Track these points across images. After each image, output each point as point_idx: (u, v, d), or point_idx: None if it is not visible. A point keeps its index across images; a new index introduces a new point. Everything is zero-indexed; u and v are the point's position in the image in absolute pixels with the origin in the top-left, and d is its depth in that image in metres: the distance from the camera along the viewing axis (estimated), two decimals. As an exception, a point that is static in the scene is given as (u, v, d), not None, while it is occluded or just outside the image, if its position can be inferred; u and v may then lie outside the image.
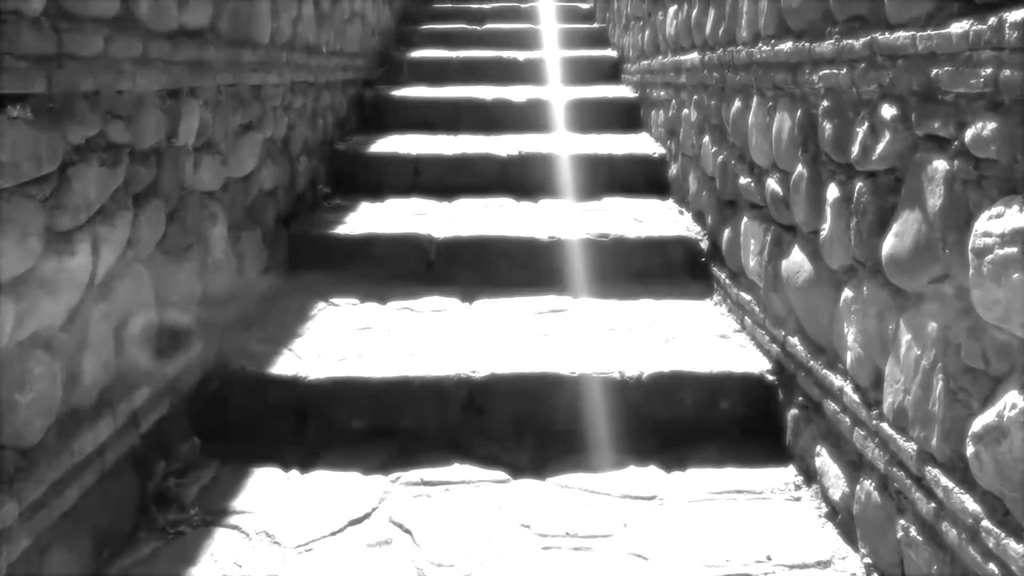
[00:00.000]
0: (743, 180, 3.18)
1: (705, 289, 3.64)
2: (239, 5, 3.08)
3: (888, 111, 1.96)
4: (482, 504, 2.39)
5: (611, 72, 6.69)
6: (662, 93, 4.90)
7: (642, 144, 5.10)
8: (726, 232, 3.45)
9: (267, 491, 2.44)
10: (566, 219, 4.11)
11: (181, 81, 2.53)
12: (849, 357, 2.19)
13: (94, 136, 2.00)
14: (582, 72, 6.63)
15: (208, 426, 2.67)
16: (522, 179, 4.71)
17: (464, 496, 2.44)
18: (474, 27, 7.74)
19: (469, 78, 6.56)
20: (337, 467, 2.57)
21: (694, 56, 3.99)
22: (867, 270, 2.10)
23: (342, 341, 3.06)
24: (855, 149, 2.12)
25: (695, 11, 3.96)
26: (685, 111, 4.27)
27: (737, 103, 3.26)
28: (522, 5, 8.64)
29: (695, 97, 4.03)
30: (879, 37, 1.98)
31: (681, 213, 4.22)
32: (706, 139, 3.79)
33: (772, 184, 2.81)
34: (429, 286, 3.68)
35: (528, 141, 5.17)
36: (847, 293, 2.21)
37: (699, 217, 3.98)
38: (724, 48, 3.42)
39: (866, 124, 2.07)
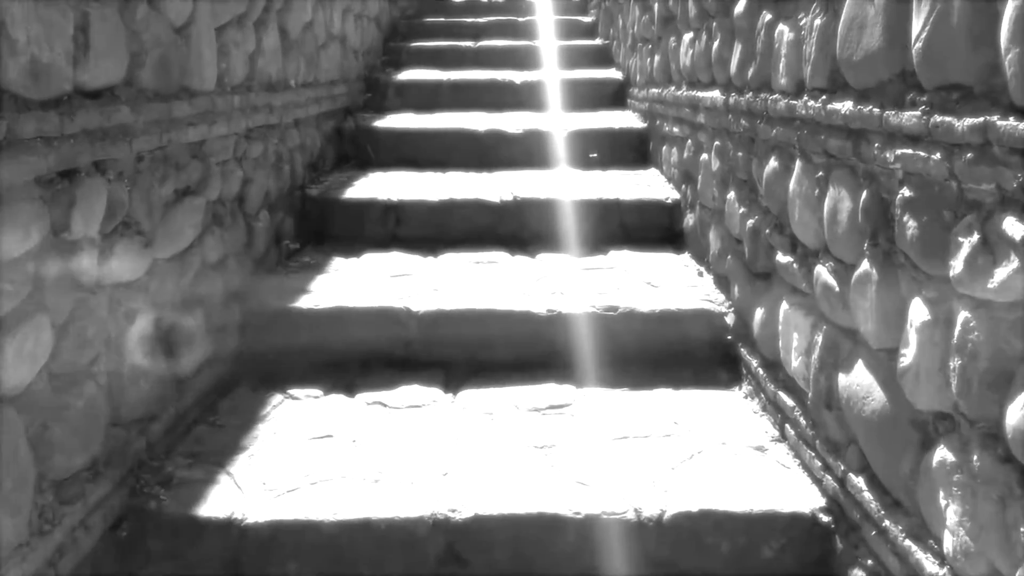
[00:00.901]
0: (781, 258, 2.62)
1: (732, 375, 3.09)
2: (168, 51, 2.52)
3: (1015, 227, 1.41)
4: None
5: (616, 96, 6.13)
6: (675, 129, 4.34)
7: (652, 185, 4.54)
8: (758, 312, 2.89)
9: None
10: (568, 282, 3.56)
11: (77, 157, 1.98)
12: (949, 541, 1.63)
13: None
14: (584, 96, 6.07)
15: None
16: (517, 229, 4.16)
17: None
18: (468, 44, 7.19)
19: (461, 103, 6.00)
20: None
21: (715, 95, 3.43)
22: (977, 432, 1.55)
23: (296, 457, 2.51)
24: (957, 265, 1.56)
25: (716, 43, 3.41)
26: (704, 156, 3.71)
27: (773, 162, 2.70)
28: (519, 19, 8.09)
29: (716, 143, 3.47)
30: (1000, 124, 1.43)
31: (700, 275, 3.66)
32: (731, 195, 3.24)
33: (824, 274, 2.26)
34: (406, 371, 3.13)
35: (525, 180, 4.62)
36: (944, 455, 1.65)
37: (722, 283, 3.42)
38: (755, 93, 2.87)
39: (975, 236, 1.51)
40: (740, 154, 3.11)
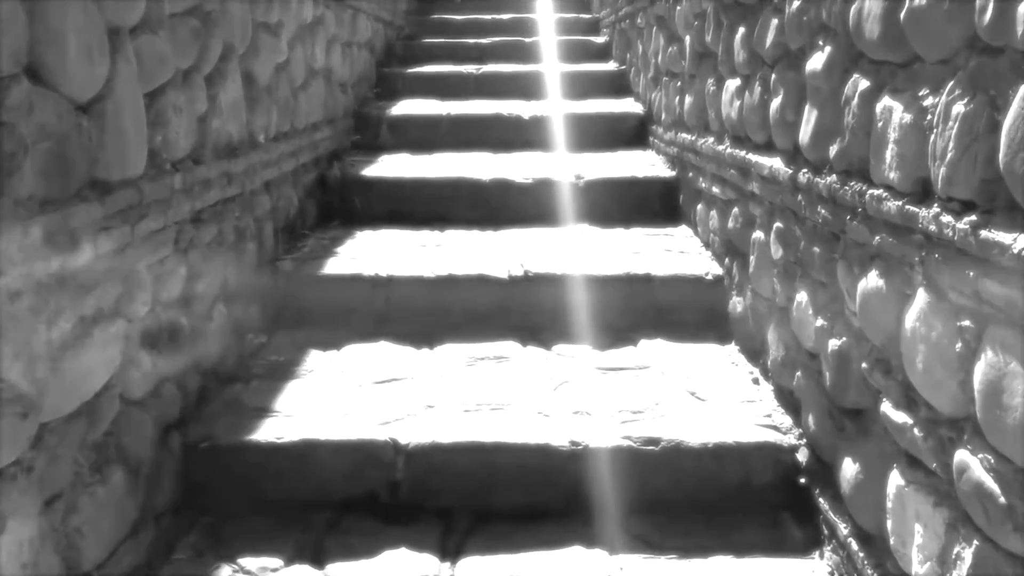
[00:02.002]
0: (891, 411, 1.96)
1: (808, 534, 2.42)
2: (65, 140, 1.85)
3: None
4: None
5: (636, 134, 5.47)
6: (715, 189, 3.66)
7: (687, 251, 3.86)
8: (848, 463, 2.22)
9: None
10: (593, 391, 2.91)
11: None
12: None
13: None
14: (600, 134, 5.41)
15: None
16: (529, 311, 3.49)
17: None
18: (470, 70, 6.52)
19: (463, 142, 5.35)
20: None
21: (775, 164, 2.76)
22: None
23: None
24: None
25: (777, 100, 2.74)
26: (759, 235, 3.03)
27: (875, 279, 2.03)
28: (526, 40, 7.45)
29: (778, 224, 2.80)
30: None
31: (756, 382, 2.98)
32: (802, 297, 2.56)
33: (974, 467, 1.59)
34: (393, 524, 2.46)
35: (536, 243, 3.97)
36: None
37: (786, 399, 2.75)
38: (841, 178, 2.21)
39: None
40: (816, 249, 2.44)
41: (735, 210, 3.36)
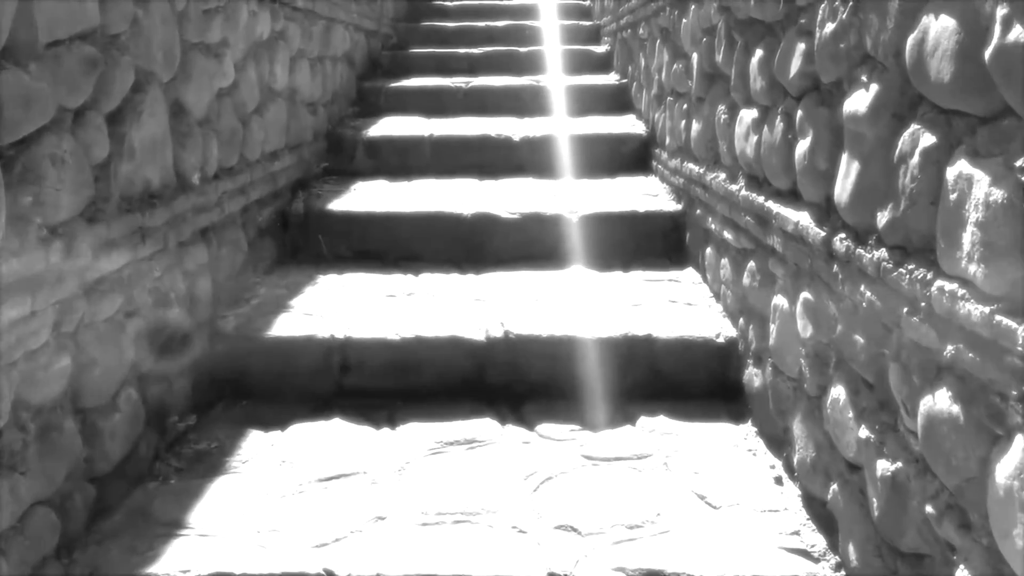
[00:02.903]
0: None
1: None
2: None
3: None
4: None
5: (637, 157, 4.95)
6: (727, 235, 3.14)
7: (694, 303, 3.35)
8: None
9: None
10: (584, 492, 2.39)
11: None
12: None
13: None
14: (598, 157, 4.90)
15: None
16: (508, 381, 2.99)
17: None
18: (459, 84, 6.01)
19: (446, 167, 4.85)
20: None
21: (803, 220, 2.25)
22: None
23: None
24: None
25: (806, 142, 2.24)
26: (780, 300, 2.51)
27: (945, 400, 1.52)
28: (520, 50, 6.95)
29: (805, 295, 2.28)
30: None
31: (778, 481, 2.47)
32: (839, 391, 2.05)
33: None
34: None
35: (521, 293, 3.47)
36: None
37: (816, 512, 2.24)
38: (896, 256, 1.71)
39: None
40: (859, 339, 1.93)
41: (751, 264, 2.84)
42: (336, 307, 3.31)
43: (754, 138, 2.76)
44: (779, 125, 2.50)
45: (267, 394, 2.97)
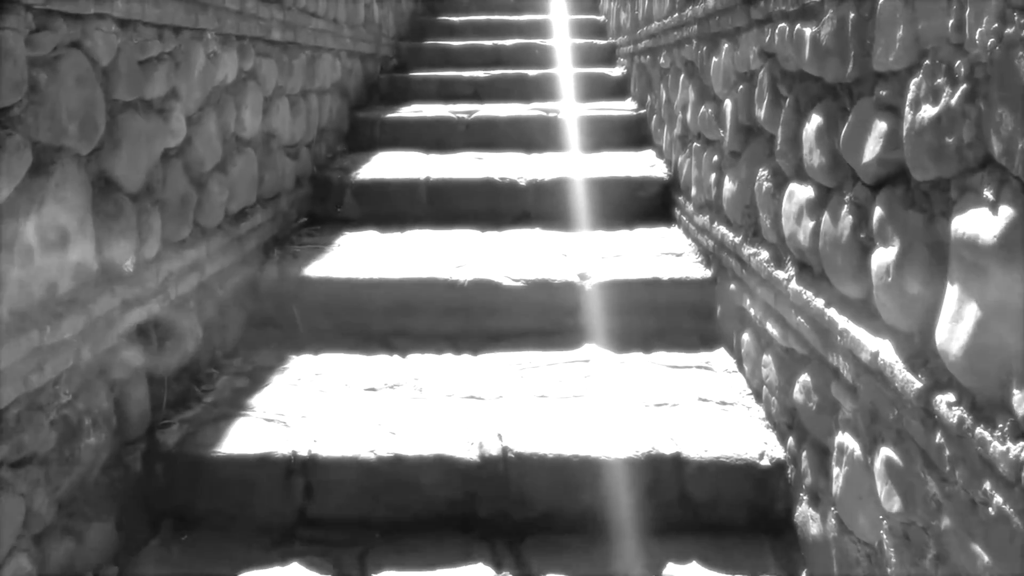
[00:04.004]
0: None
1: None
2: None
3: None
4: None
5: (658, 203, 4.43)
6: (771, 329, 2.60)
7: (732, 405, 2.82)
8: None
9: None
10: None
11: None
12: None
13: None
14: (614, 204, 4.39)
15: None
16: (506, 511, 2.47)
17: None
18: (461, 116, 5.49)
19: (444, 214, 4.37)
20: None
21: (885, 353, 1.73)
22: None
23: None
24: None
25: (890, 251, 1.71)
26: (848, 441, 1.97)
27: None
28: (530, 73, 6.44)
29: (888, 454, 1.75)
30: None
31: None
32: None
33: None
34: None
35: (526, 386, 2.95)
36: None
37: None
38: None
39: None
40: (983, 555, 1.38)
41: (805, 378, 2.30)
42: (304, 406, 2.79)
43: (809, 223, 2.23)
44: (846, 217, 1.96)
45: (215, 525, 2.46)
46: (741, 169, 2.99)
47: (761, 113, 2.70)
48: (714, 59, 3.39)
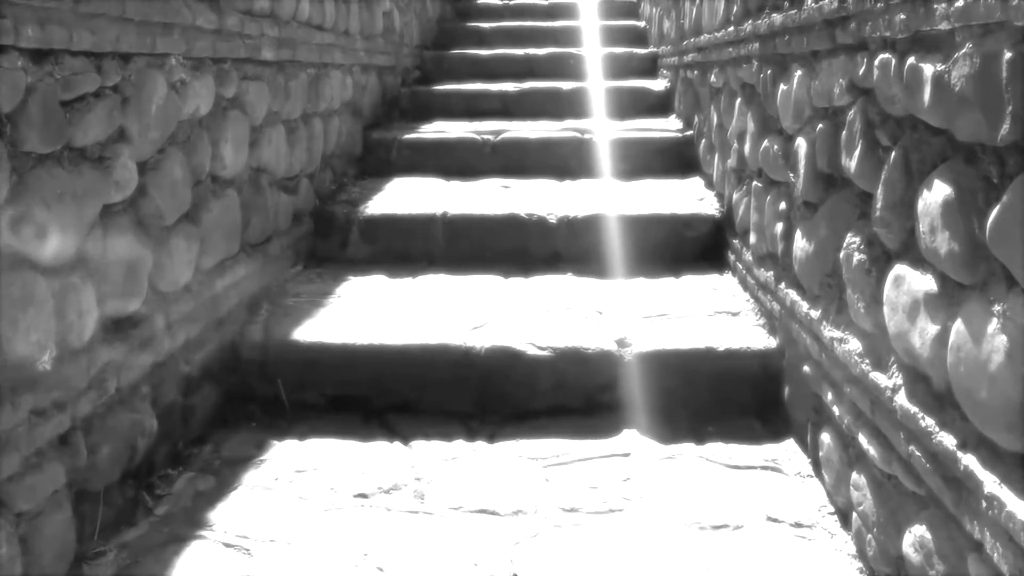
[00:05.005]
0: None
1: None
2: None
3: None
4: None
5: (707, 244, 3.86)
6: (864, 442, 2.03)
7: (811, 528, 2.25)
8: None
9: None
10: None
11: None
12: None
13: None
14: (657, 246, 3.85)
15: None
16: None
17: None
18: (487, 136, 4.96)
19: (463, 256, 3.87)
20: None
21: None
22: None
23: None
24: None
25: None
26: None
27: None
28: (563, 87, 5.90)
29: None
30: None
31: None
32: None
33: None
34: None
35: (551, 497, 2.40)
36: None
37: None
38: None
39: None
40: None
41: (921, 530, 1.71)
42: (276, 522, 2.26)
43: (930, 328, 1.64)
44: (997, 336, 1.38)
45: None
46: (819, 226, 2.40)
47: (851, 163, 2.12)
48: (782, 86, 2.81)
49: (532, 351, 2.90)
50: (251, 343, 2.96)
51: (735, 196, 3.63)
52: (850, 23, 2.13)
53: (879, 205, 1.93)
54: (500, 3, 8.52)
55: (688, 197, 4.16)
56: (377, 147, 4.94)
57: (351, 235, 3.91)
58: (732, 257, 3.64)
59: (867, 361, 2.02)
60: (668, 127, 5.18)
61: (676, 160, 4.73)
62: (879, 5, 1.92)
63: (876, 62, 1.95)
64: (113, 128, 2.18)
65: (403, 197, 4.26)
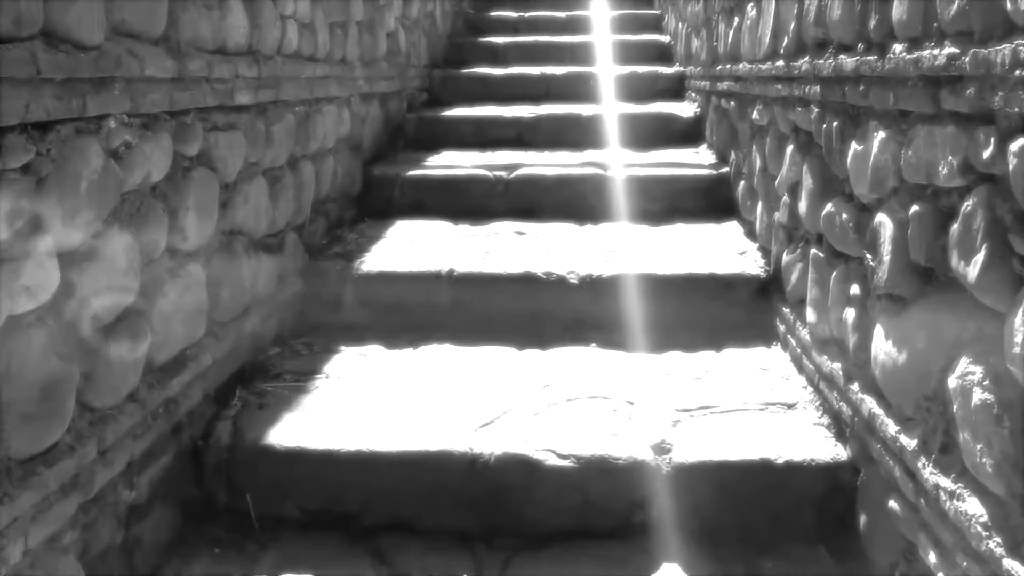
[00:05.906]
0: None
1: None
2: None
3: None
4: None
5: (751, 309, 3.34)
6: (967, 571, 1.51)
7: None
8: None
9: None
10: None
11: None
12: None
13: None
14: (694, 310, 3.37)
15: None
16: None
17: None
18: (500, 173, 4.49)
19: (472, 323, 3.41)
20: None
21: None
22: None
23: None
24: None
25: None
26: None
27: None
28: (583, 113, 5.44)
29: None
30: None
31: None
32: None
33: None
34: None
35: None
36: None
37: None
38: None
39: None
40: None
41: None
42: None
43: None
44: None
45: None
46: (915, 335, 1.91)
47: (968, 270, 1.63)
48: (854, 144, 2.31)
49: (552, 461, 2.41)
50: (217, 447, 2.49)
51: (785, 257, 3.14)
52: (966, 87, 1.63)
53: (1018, 340, 1.43)
54: (515, 16, 8.05)
55: (726, 250, 3.66)
56: (379, 185, 4.48)
57: (345, 297, 3.45)
58: (782, 328, 3.14)
59: (996, 539, 1.52)
60: (700, 161, 4.69)
61: (710, 201, 4.24)
62: (1018, 73, 1.43)
63: (1014, 148, 1.45)
64: (22, 220, 1.71)
65: (405, 247, 3.78)
